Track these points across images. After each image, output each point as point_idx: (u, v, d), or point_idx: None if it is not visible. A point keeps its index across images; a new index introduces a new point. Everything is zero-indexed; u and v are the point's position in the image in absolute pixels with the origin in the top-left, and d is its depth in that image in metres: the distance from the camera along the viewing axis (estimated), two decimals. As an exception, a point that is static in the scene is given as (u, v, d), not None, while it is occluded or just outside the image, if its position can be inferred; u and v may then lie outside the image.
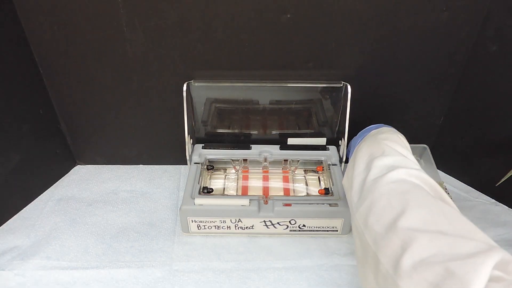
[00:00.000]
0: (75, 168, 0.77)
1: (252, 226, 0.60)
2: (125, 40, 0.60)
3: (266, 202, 0.60)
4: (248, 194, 0.65)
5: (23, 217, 0.66)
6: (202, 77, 0.65)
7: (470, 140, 0.70)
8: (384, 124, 0.62)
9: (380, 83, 0.67)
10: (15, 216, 0.66)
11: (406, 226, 0.35)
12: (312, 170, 0.70)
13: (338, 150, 0.70)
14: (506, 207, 0.68)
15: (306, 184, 0.68)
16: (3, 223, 0.64)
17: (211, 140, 0.72)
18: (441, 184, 0.65)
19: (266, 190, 0.66)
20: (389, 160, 0.45)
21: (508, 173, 0.58)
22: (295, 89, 0.66)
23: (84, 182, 0.74)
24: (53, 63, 0.63)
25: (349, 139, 0.66)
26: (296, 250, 0.60)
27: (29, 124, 0.65)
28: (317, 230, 0.61)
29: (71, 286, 0.55)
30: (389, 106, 0.70)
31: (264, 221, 0.60)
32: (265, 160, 0.69)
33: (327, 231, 0.61)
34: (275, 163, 0.70)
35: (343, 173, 0.66)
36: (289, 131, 0.72)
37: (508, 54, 0.59)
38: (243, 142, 0.72)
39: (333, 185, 0.63)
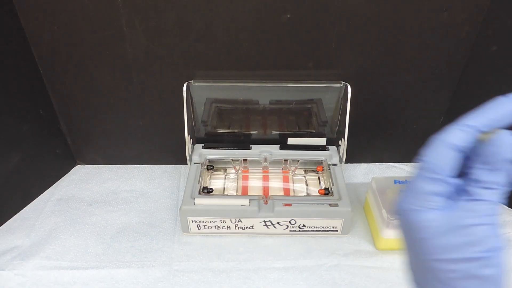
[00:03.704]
0: (75, 168, 0.77)
1: (252, 226, 0.60)
2: (125, 40, 0.60)
3: (266, 202, 0.60)
4: (248, 194, 0.65)
5: (23, 217, 0.66)
6: (202, 77, 0.65)
7: (470, 140, 0.70)
8: (384, 123, 0.62)
9: (380, 83, 0.67)
10: (15, 216, 0.66)
11: None
12: (312, 170, 0.70)
13: (338, 150, 0.70)
14: (506, 207, 0.68)
15: (306, 184, 0.68)
16: (3, 223, 0.64)
17: (211, 140, 0.72)
18: None
19: (266, 190, 0.66)
20: None
21: None
22: (295, 89, 0.66)
23: (84, 182, 0.74)
24: (53, 63, 0.63)
25: (349, 139, 0.66)
26: (296, 250, 0.60)
27: (29, 124, 0.65)
28: (317, 230, 0.61)
29: (71, 286, 0.55)
30: (389, 106, 0.70)
31: (264, 221, 0.60)
32: (265, 160, 0.69)
33: (327, 231, 0.61)
34: (275, 163, 0.70)
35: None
36: (289, 131, 0.72)
37: (508, 54, 0.59)
38: (243, 142, 0.72)
39: (333, 185, 0.63)
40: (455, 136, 0.27)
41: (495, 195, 0.26)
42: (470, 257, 0.26)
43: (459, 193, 0.27)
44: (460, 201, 0.27)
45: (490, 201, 0.26)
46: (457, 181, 0.27)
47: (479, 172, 0.26)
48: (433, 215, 0.27)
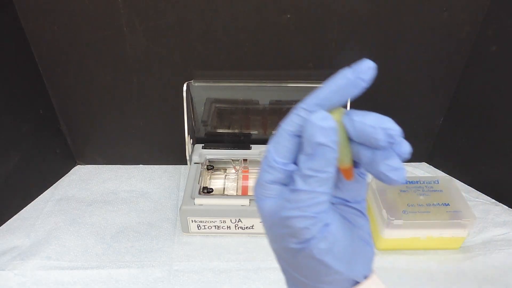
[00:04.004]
0: (75, 168, 0.77)
1: (252, 226, 0.60)
2: (125, 40, 0.60)
3: (266, 202, 0.60)
4: (248, 194, 0.65)
5: (23, 217, 0.66)
6: (202, 77, 0.65)
7: (470, 140, 0.70)
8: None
9: (380, 83, 0.67)
10: (15, 216, 0.66)
11: None
12: (312, 170, 0.70)
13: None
14: (506, 207, 0.68)
15: (306, 184, 0.68)
16: (3, 223, 0.64)
17: (211, 140, 0.72)
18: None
19: (266, 190, 0.65)
20: None
21: None
22: (295, 89, 0.66)
23: (84, 182, 0.74)
24: (53, 63, 0.63)
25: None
26: (296, 250, 0.60)
27: (29, 124, 0.65)
28: (317, 230, 0.61)
29: (71, 286, 0.55)
30: (389, 106, 0.70)
31: (264, 221, 0.60)
32: (265, 160, 0.69)
33: (327, 231, 0.61)
34: (275, 163, 0.70)
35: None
36: (289, 131, 0.72)
37: (508, 54, 0.59)
38: (243, 142, 0.72)
39: (333, 185, 0.63)
40: (289, 121, 0.25)
41: (315, 183, 0.23)
42: (290, 248, 0.25)
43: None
44: (287, 190, 0.25)
45: (306, 191, 0.23)
46: (294, 167, 0.25)
47: (299, 158, 0.24)
48: (267, 203, 0.26)
